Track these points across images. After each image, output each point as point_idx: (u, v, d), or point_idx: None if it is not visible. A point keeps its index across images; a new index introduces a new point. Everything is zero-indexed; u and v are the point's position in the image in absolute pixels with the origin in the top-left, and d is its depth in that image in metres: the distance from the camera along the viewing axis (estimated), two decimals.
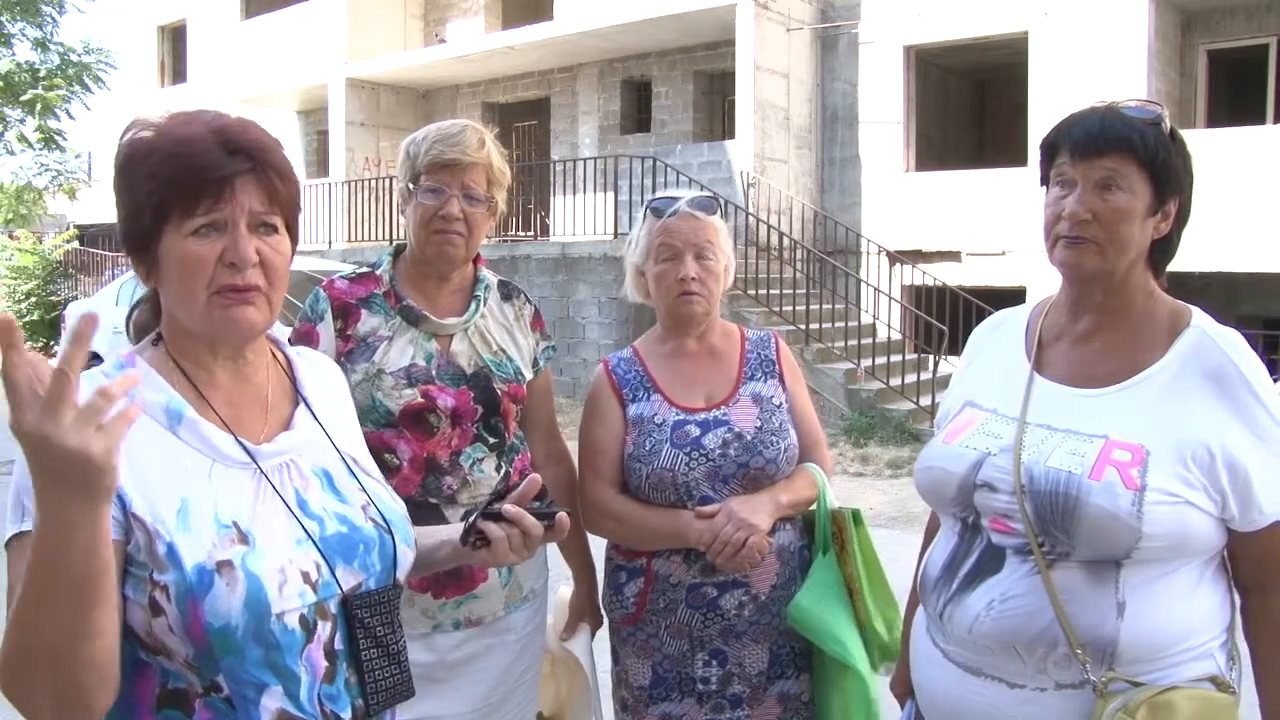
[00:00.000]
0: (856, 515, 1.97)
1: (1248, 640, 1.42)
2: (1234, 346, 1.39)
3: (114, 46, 17.07)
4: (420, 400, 1.86)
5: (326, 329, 1.91)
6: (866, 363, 9.77)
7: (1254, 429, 1.35)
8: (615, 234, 11.23)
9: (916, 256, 11.22)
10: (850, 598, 1.92)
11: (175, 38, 20.77)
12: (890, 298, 10.71)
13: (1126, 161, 1.38)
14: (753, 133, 11.63)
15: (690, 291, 1.96)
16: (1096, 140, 1.39)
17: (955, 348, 8.12)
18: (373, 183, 14.00)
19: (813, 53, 12.50)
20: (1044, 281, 1.56)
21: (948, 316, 9.58)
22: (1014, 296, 7.94)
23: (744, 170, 11.62)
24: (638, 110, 14.55)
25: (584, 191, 12.07)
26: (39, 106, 14.33)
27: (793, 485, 1.96)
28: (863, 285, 10.98)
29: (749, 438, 1.93)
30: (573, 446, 2.14)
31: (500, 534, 1.26)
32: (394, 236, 13.35)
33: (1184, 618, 1.36)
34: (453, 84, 16.12)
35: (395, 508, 1.30)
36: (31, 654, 0.95)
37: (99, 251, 18.23)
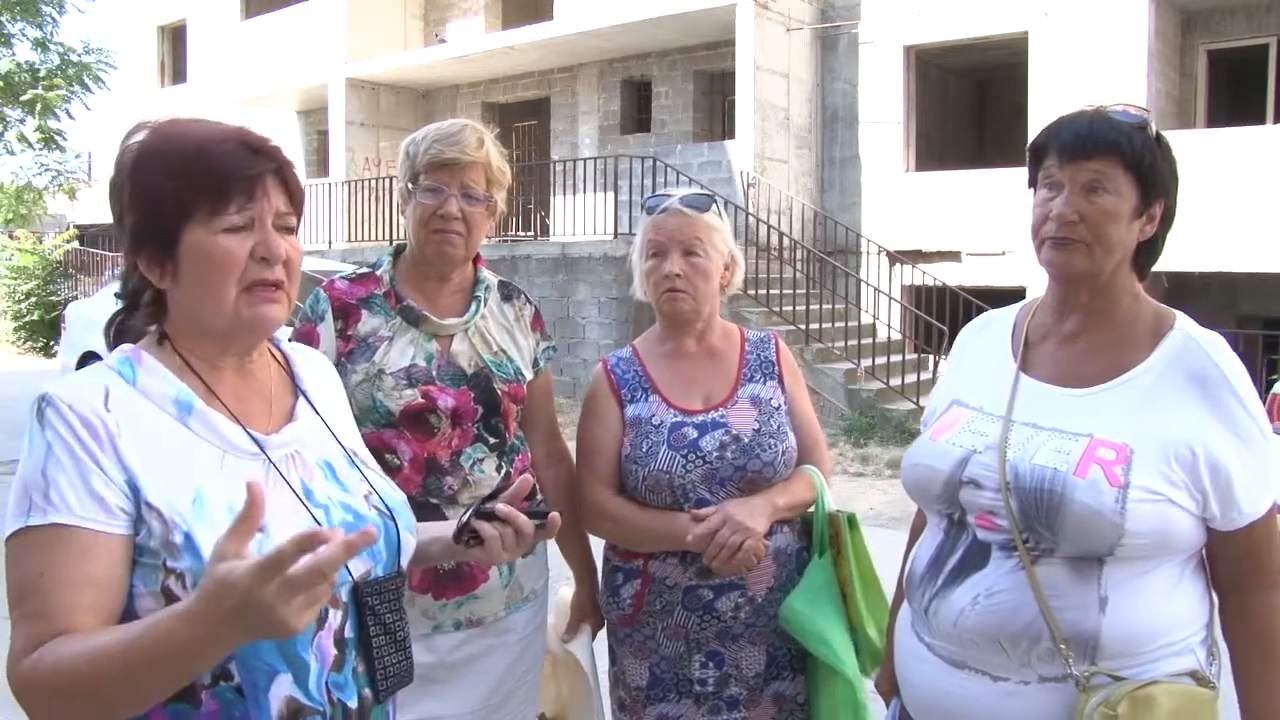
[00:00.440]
0: (852, 519, 1.97)
1: (1226, 638, 1.44)
2: (1216, 349, 1.41)
3: (114, 46, 17.02)
4: (420, 401, 1.86)
5: (327, 329, 1.91)
6: (866, 363, 9.77)
7: (1234, 430, 1.37)
8: (615, 234, 11.23)
9: (916, 256, 11.22)
10: (844, 601, 1.92)
11: (175, 38, 20.78)
12: (890, 298, 10.71)
13: (1113, 164, 1.40)
14: (753, 133, 11.63)
15: (675, 289, 1.95)
16: (1084, 143, 1.41)
17: None
18: (373, 183, 14.00)
19: (813, 53, 12.50)
20: (1043, 281, 1.58)
21: (948, 316, 9.58)
22: (1014, 296, 7.91)
23: (744, 170, 11.62)
24: (638, 110, 14.55)
25: (584, 191, 12.07)
26: (39, 106, 14.31)
27: (790, 488, 1.96)
28: (863, 285, 10.99)
29: (746, 440, 1.93)
30: (572, 447, 2.14)
31: (493, 533, 1.28)
32: (394, 236, 13.35)
33: (1165, 614, 1.38)
34: (453, 84, 16.12)
35: (396, 496, 1.33)
36: (95, 701, 1.00)
37: (99, 251, 18.23)
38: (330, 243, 14.42)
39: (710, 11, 11.84)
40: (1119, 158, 1.40)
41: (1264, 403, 5.53)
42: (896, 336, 10.56)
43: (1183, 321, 1.46)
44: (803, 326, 9.92)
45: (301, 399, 1.30)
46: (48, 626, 1.02)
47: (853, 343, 9.89)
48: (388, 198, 13.50)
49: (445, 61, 14.82)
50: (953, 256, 11.28)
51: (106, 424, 1.09)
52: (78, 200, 16.93)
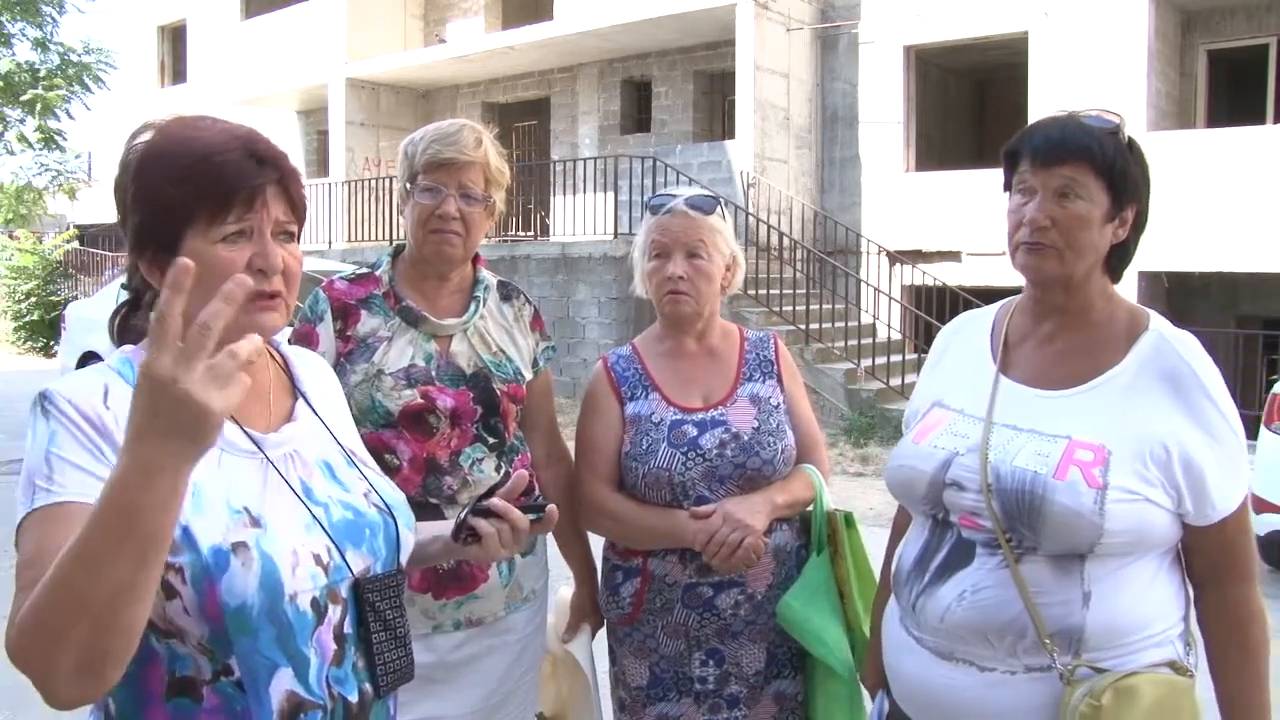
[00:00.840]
0: (850, 518, 1.98)
1: (1201, 630, 1.48)
2: (1189, 350, 1.45)
3: (114, 46, 17.01)
4: (420, 401, 1.86)
5: (326, 330, 1.91)
6: (866, 363, 9.78)
7: (1207, 428, 1.41)
8: (615, 234, 11.24)
9: (916, 256, 11.22)
10: (840, 600, 1.93)
11: (175, 38, 20.78)
12: (890, 298, 10.72)
13: (1085, 170, 1.43)
14: (753, 133, 11.63)
15: (678, 291, 1.96)
16: (1056, 149, 1.44)
17: None
18: (373, 183, 14.00)
19: (813, 53, 12.50)
20: None
21: (948, 316, 9.52)
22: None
23: (744, 170, 11.62)
24: (638, 110, 14.55)
25: (584, 191, 12.07)
26: (39, 106, 14.30)
27: (789, 486, 1.96)
28: (863, 285, 10.99)
29: (746, 438, 1.93)
30: (571, 446, 2.14)
31: (490, 530, 1.30)
32: (394, 236, 13.35)
33: (1144, 607, 1.42)
34: (453, 84, 16.12)
35: (395, 494, 1.34)
36: (72, 609, 0.92)
37: (99, 251, 18.24)
38: (330, 243, 14.43)
39: (710, 11, 11.84)
40: (1090, 164, 1.43)
41: (1265, 403, 5.53)
42: (896, 336, 10.57)
43: (1156, 322, 1.50)
44: (803, 326, 9.92)
45: (300, 400, 1.31)
46: None
47: (853, 343, 9.89)
48: (388, 198, 13.50)
49: (445, 61, 14.83)
50: (953, 256, 11.28)
51: (105, 420, 1.09)
52: (78, 200, 16.92)
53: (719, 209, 2.02)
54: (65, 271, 18.22)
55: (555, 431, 2.17)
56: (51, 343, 15.95)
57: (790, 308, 10.10)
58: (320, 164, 17.72)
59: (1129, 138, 1.47)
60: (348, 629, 1.20)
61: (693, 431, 1.94)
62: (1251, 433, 5.99)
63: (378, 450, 1.81)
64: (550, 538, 2.10)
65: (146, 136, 1.18)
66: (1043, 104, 10.36)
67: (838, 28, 12.40)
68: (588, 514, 2.02)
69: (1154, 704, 1.34)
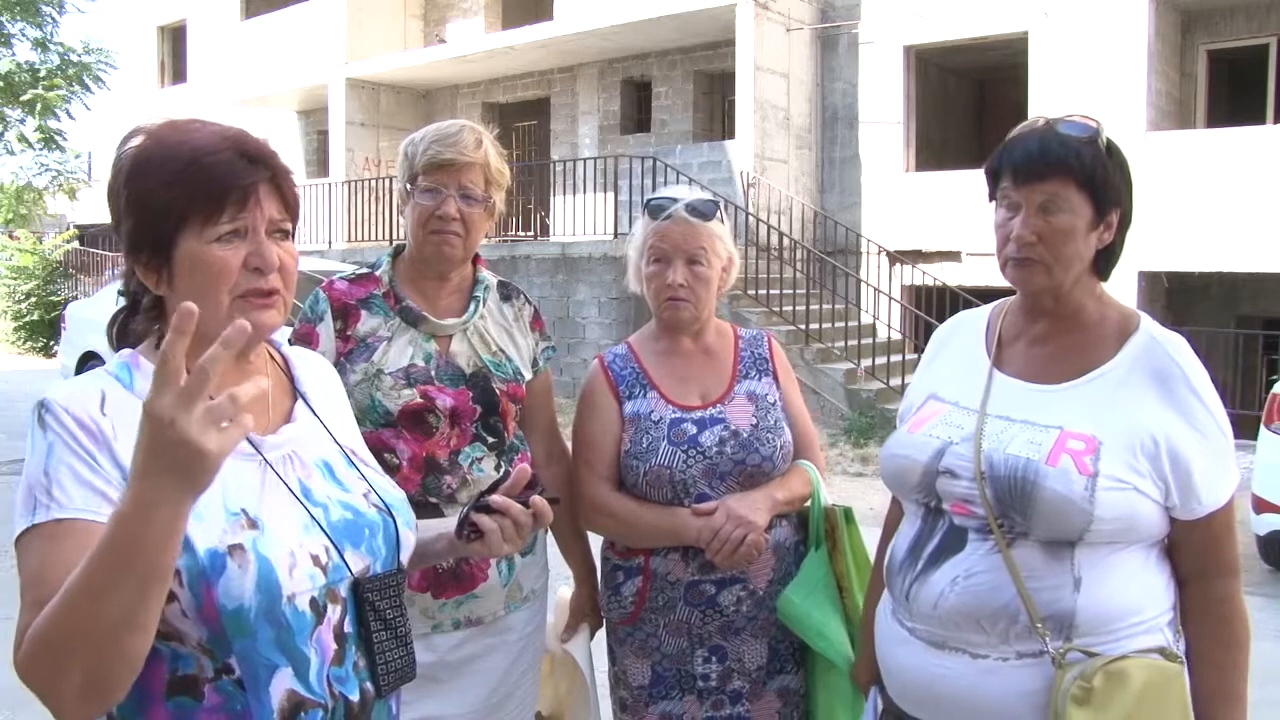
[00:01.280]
0: (848, 513, 2.00)
1: (1185, 625, 1.50)
2: (1178, 350, 1.49)
3: (114, 46, 17.04)
4: (419, 400, 1.87)
5: (326, 329, 1.91)
6: (866, 363, 9.78)
7: (1194, 424, 1.45)
8: (615, 234, 11.23)
9: (916, 256, 11.22)
10: (839, 594, 1.95)
11: (175, 38, 20.78)
12: (890, 298, 10.71)
13: (1066, 184, 1.46)
14: (753, 133, 11.63)
15: (677, 298, 1.96)
16: (1036, 166, 1.47)
17: None
18: (373, 183, 14.00)
19: (813, 53, 12.50)
20: None
21: (947, 316, 9.49)
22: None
23: (744, 170, 11.62)
24: (638, 110, 14.55)
25: (584, 191, 12.07)
26: (39, 106, 14.32)
27: (788, 482, 1.98)
28: (863, 285, 10.99)
29: (745, 435, 1.94)
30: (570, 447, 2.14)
31: (493, 526, 1.31)
32: (394, 236, 13.35)
33: (1135, 593, 1.45)
34: (453, 84, 16.12)
35: (395, 493, 1.34)
36: (77, 640, 0.96)
37: (99, 251, 18.23)
38: (330, 243, 14.43)
39: (710, 11, 11.84)
40: (1070, 177, 1.45)
41: (1265, 403, 5.53)
42: (896, 336, 10.57)
43: (1147, 323, 1.54)
44: (803, 326, 9.92)
45: (300, 401, 1.31)
46: None
47: (853, 343, 9.89)
48: (387, 198, 13.50)
49: (445, 61, 14.83)
50: (953, 256, 11.28)
51: (102, 428, 1.10)
52: (78, 200, 16.95)
53: (719, 213, 2.02)
54: (65, 271, 18.22)
55: (555, 431, 2.17)
56: (51, 343, 15.94)
57: (790, 308, 10.10)
58: (320, 164, 17.72)
59: (1108, 141, 1.50)
60: (348, 628, 1.21)
61: (692, 429, 1.94)
62: (1251, 433, 5.99)
63: (377, 449, 1.80)
64: (550, 537, 2.11)
65: (137, 141, 1.18)
66: (1043, 104, 10.36)
67: (838, 28, 12.40)
68: (587, 513, 2.02)
69: (1143, 687, 1.37)
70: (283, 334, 1.44)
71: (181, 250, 1.14)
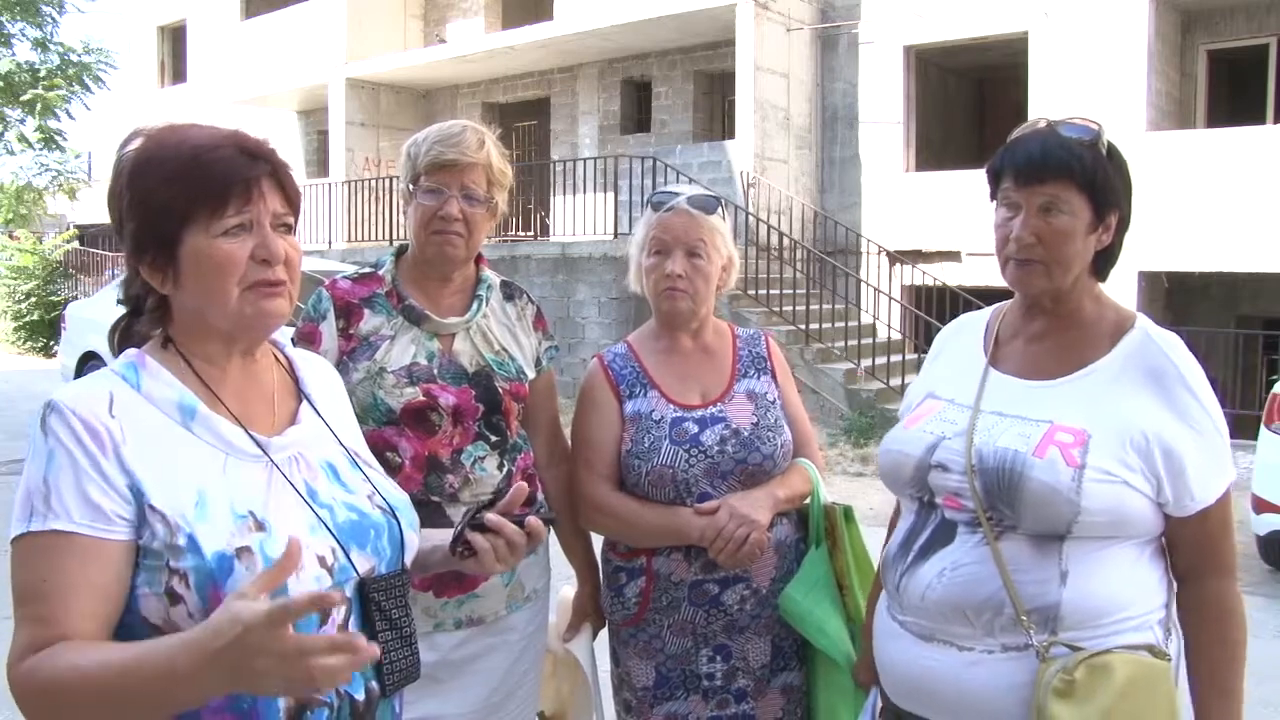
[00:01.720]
0: (848, 512, 2.01)
1: (1181, 623, 1.50)
2: (1172, 348, 1.50)
3: (114, 46, 17.00)
4: (422, 399, 1.87)
5: (329, 328, 1.92)
6: (866, 363, 9.78)
7: (1188, 421, 1.45)
8: (615, 234, 11.24)
9: (916, 256, 11.22)
10: (840, 592, 1.96)
11: (175, 38, 20.78)
12: (890, 298, 10.72)
13: (1066, 187, 1.48)
14: (753, 133, 11.63)
15: (675, 288, 1.97)
16: (1037, 168, 1.49)
17: None
18: (373, 183, 14.00)
19: (813, 53, 12.50)
20: None
21: (948, 316, 9.53)
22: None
23: (744, 170, 11.62)
24: (638, 110, 14.55)
25: (584, 191, 12.08)
26: (39, 106, 14.32)
27: (788, 480, 1.98)
28: (863, 285, 10.99)
29: (746, 434, 1.95)
30: None
31: (486, 545, 1.31)
32: (394, 236, 13.35)
33: (1124, 590, 1.45)
34: (453, 84, 16.12)
35: (398, 495, 1.35)
36: (79, 713, 1.02)
37: (99, 251, 18.23)
38: (330, 243, 14.43)
39: (710, 11, 11.84)
40: (1070, 180, 1.47)
41: (1265, 403, 5.54)
42: (896, 336, 10.57)
43: (1142, 322, 1.55)
44: (803, 326, 9.92)
45: (304, 402, 1.32)
46: (47, 631, 1.04)
47: (853, 343, 9.89)
48: (388, 198, 13.50)
49: (445, 61, 14.83)
50: (953, 256, 11.28)
51: (110, 430, 1.11)
52: (78, 200, 16.94)
53: (720, 209, 2.03)
54: (65, 271, 18.21)
55: (558, 431, 2.17)
56: (51, 343, 15.93)
57: (790, 308, 10.10)
58: (320, 164, 17.72)
59: (1108, 144, 1.51)
60: (352, 628, 1.21)
61: (694, 428, 1.95)
62: (1251, 433, 5.99)
63: (380, 448, 1.81)
64: (552, 537, 2.11)
65: (136, 144, 1.19)
66: (1043, 104, 10.37)
67: (838, 28, 12.40)
68: (587, 513, 2.02)
69: (1128, 682, 1.37)
70: (285, 334, 1.44)
71: (188, 247, 1.15)
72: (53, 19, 14.73)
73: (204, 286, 1.17)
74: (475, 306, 1.99)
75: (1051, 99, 10.25)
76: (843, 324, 10.23)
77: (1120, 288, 8.77)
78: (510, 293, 2.09)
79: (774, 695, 1.98)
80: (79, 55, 14.95)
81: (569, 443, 2.13)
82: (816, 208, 12.38)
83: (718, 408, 1.98)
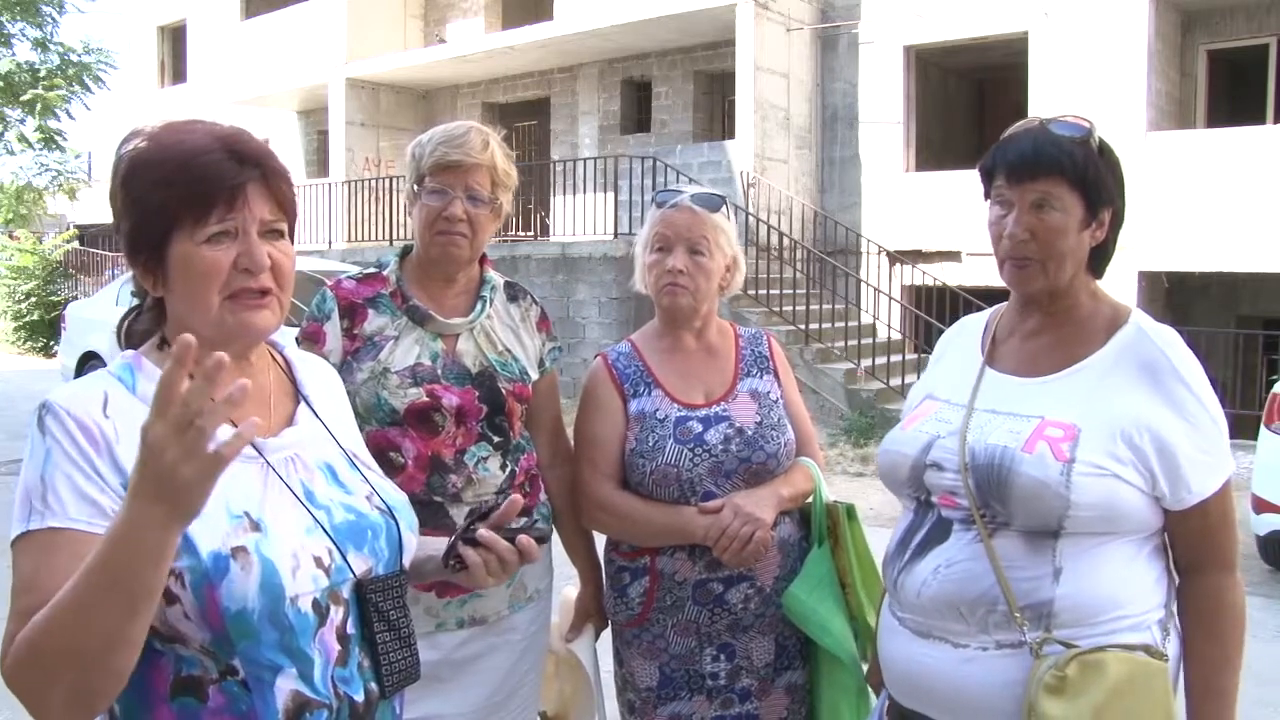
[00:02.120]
0: (851, 510, 2.01)
1: (1179, 619, 1.50)
2: (1167, 341, 1.50)
3: (114, 46, 17.05)
4: (425, 399, 1.87)
5: (333, 328, 1.92)
6: (866, 363, 9.78)
7: (1182, 414, 1.45)
8: (615, 234, 11.24)
9: (916, 256, 11.22)
10: (843, 590, 1.97)
11: (175, 38, 20.78)
12: (890, 298, 10.72)
13: (1058, 183, 1.48)
14: (753, 133, 11.63)
15: (675, 284, 1.97)
16: (1029, 165, 1.50)
17: None
18: (373, 183, 14.00)
19: (813, 53, 12.50)
20: None
21: (948, 316, 9.58)
22: None
23: (744, 170, 11.62)
24: (638, 110, 14.56)
25: (584, 191, 12.08)
26: (39, 106, 14.32)
27: (791, 479, 1.99)
28: (863, 285, 10.99)
29: (750, 433, 1.95)
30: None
31: (477, 559, 1.31)
32: (394, 237, 13.35)
33: (1119, 587, 1.45)
34: (453, 84, 16.12)
35: (397, 496, 1.34)
36: (64, 654, 0.98)
37: (99, 251, 18.24)
38: (330, 243, 14.43)
39: (710, 11, 11.84)
40: (1062, 177, 1.48)
41: (1265, 403, 5.54)
42: (896, 336, 10.57)
43: (1138, 317, 1.55)
44: (803, 326, 9.92)
45: (302, 403, 1.32)
46: None
47: (853, 343, 9.89)
48: (388, 198, 13.50)
49: (445, 61, 14.83)
50: (953, 256, 11.28)
51: (104, 430, 1.11)
52: (78, 200, 16.93)
53: (724, 208, 2.04)
54: (65, 271, 18.21)
55: (561, 432, 2.18)
56: (51, 343, 15.93)
57: (790, 308, 10.10)
58: (320, 164, 17.72)
59: (1100, 141, 1.52)
60: (350, 629, 1.21)
61: (698, 427, 1.95)
62: (1251, 433, 5.99)
63: (383, 448, 1.82)
64: (554, 537, 2.12)
65: (134, 144, 1.19)
66: (1043, 104, 10.36)
67: (838, 28, 12.40)
68: (590, 512, 2.02)
69: (1121, 680, 1.36)
70: (288, 334, 1.44)
71: (174, 252, 1.15)
72: (53, 19, 14.73)
73: (187, 293, 1.17)
74: (479, 307, 1.99)
75: (1051, 99, 10.25)
76: (843, 324, 10.24)
77: (1120, 287, 8.77)
78: (514, 294, 2.09)
79: (778, 694, 1.98)
80: (79, 55, 14.94)
81: (572, 443, 2.14)
82: (816, 208, 12.38)
83: (721, 407, 1.99)
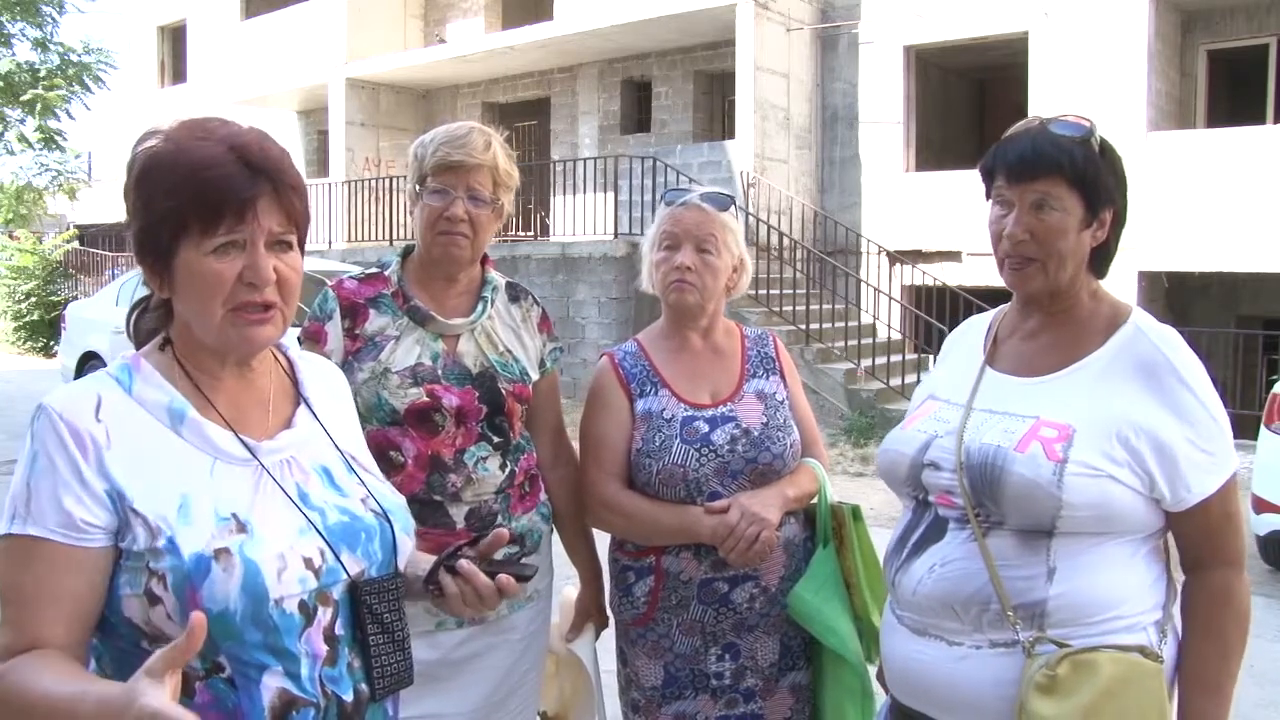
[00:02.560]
0: (856, 511, 2.02)
1: (1182, 616, 1.50)
2: (1166, 341, 1.49)
3: (114, 46, 17.08)
4: (425, 399, 1.88)
5: (335, 328, 1.93)
6: (866, 363, 9.78)
7: (1181, 414, 1.44)
8: (615, 234, 11.24)
9: (916, 256, 11.22)
10: (848, 590, 1.98)
11: (175, 38, 20.78)
12: (890, 298, 10.72)
13: (1057, 183, 1.48)
14: (753, 133, 11.63)
15: (683, 280, 1.97)
16: (1028, 165, 1.50)
17: None
18: (373, 183, 14.00)
19: (813, 53, 12.50)
20: None
21: (948, 316, 9.59)
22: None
23: (744, 170, 11.62)
24: (638, 110, 14.56)
25: (584, 191, 12.08)
26: (39, 106, 14.33)
27: (797, 479, 2.00)
28: (863, 285, 10.99)
29: (756, 434, 1.96)
30: (577, 447, 2.14)
31: (454, 590, 1.28)
32: (394, 236, 13.36)
33: (1114, 588, 1.44)
34: (453, 84, 16.12)
35: (393, 499, 1.34)
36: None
37: (99, 251, 18.24)
38: (330, 243, 14.44)
39: (710, 11, 11.84)
40: (1062, 177, 1.48)
41: (1265, 403, 5.54)
42: (896, 336, 10.57)
43: (1137, 316, 1.55)
44: (803, 326, 9.93)
45: (302, 405, 1.32)
46: (19, 636, 1.08)
47: (853, 343, 9.90)
48: (388, 198, 13.50)
49: (445, 61, 14.83)
50: (953, 256, 11.28)
51: (94, 435, 1.12)
52: (78, 200, 16.94)
53: (732, 208, 2.05)
54: (65, 271, 18.20)
55: (562, 432, 2.18)
56: (51, 343, 15.93)
57: (790, 308, 10.11)
58: (320, 164, 17.72)
59: (1101, 140, 1.52)
60: (339, 630, 1.21)
61: (704, 428, 1.95)
62: (1251, 433, 5.99)
63: (383, 447, 1.82)
64: (555, 537, 2.12)
65: (150, 143, 1.18)
66: (1043, 104, 10.36)
67: (838, 28, 12.40)
68: (596, 511, 2.02)
69: (1113, 680, 1.36)
70: (290, 334, 1.44)
71: (180, 259, 1.15)
72: (53, 19, 14.74)
73: (191, 302, 1.17)
74: (480, 308, 1.99)
75: (1051, 99, 10.25)
76: (843, 324, 10.24)
77: (1120, 287, 8.75)
78: (515, 294, 2.10)
79: (782, 694, 1.99)
80: (79, 55, 14.95)
81: (573, 443, 2.14)
82: (816, 208, 12.38)
83: (728, 407, 1.99)
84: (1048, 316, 1.58)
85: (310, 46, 15.82)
